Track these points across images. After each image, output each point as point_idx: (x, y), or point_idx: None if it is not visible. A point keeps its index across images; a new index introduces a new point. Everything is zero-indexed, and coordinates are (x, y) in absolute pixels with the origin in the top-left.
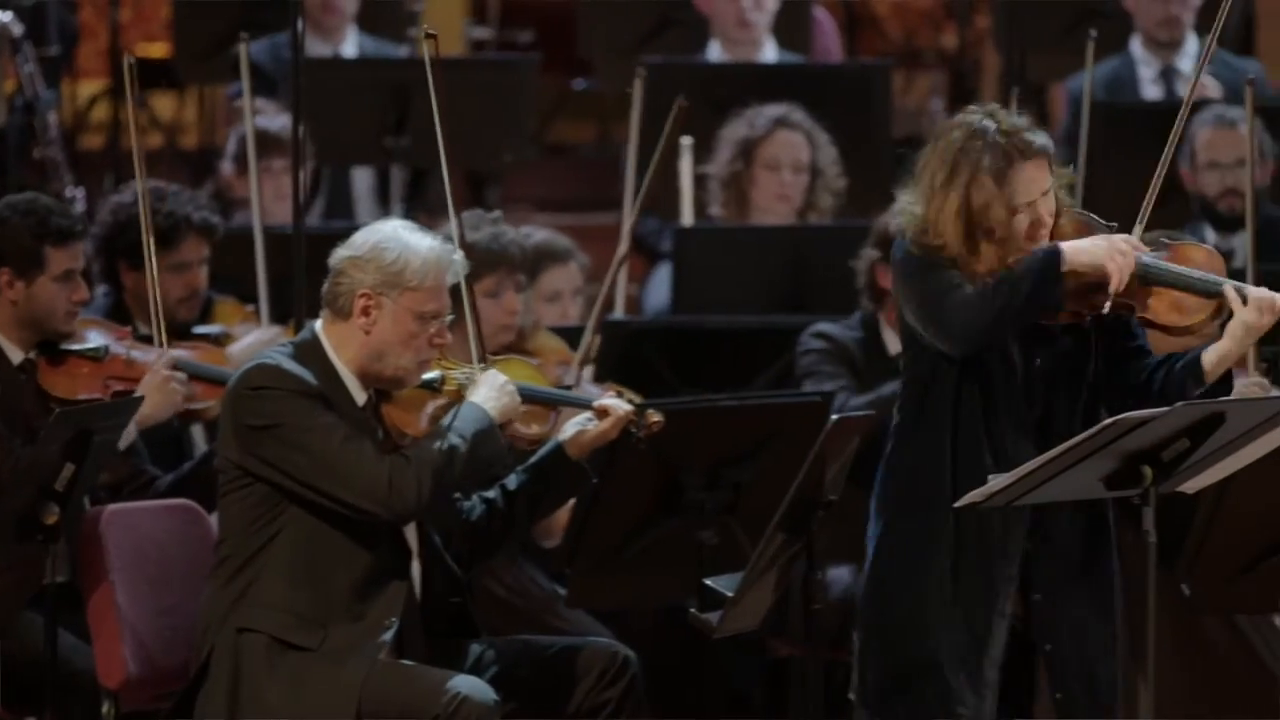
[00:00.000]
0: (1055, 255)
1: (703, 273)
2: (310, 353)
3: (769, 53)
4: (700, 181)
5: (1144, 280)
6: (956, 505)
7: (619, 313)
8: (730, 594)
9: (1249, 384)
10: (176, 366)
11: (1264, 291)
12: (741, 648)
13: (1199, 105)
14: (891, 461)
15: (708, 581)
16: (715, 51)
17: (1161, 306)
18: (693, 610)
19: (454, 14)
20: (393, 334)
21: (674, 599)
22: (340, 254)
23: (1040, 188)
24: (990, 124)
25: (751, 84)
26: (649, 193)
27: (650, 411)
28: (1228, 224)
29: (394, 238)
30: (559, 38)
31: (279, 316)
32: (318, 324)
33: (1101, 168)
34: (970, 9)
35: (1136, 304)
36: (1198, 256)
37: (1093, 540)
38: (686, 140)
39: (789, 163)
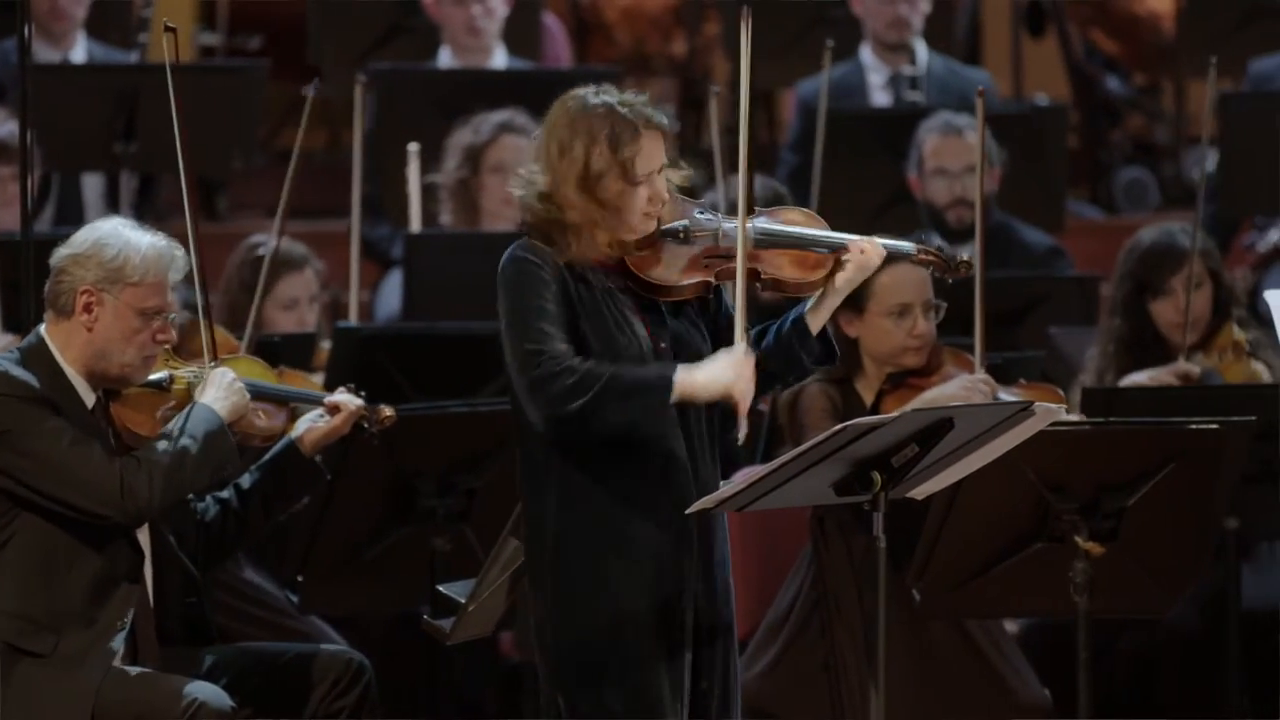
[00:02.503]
0: (666, 388)
1: (434, 279)
2: (36, 356)
3: (499, 59)
4: (429, 190)
5: (761, 244)
6: (689, 511)
7: (352, 319)
8: (463, 600)
9: (975, 380)
10: None
11: (866, 242)
12: (475, 654)
13: (926, 112)
14: (539, 463)
15: (441, 588)
16: (445, 58)
17: (787, 266)
18: (426, 616)
19: (183, 20)
20: (115, 330)
21: (408, 605)
22: (61, 252)
23: (657, 162)
24: (608, 96)
25: (481, 90)
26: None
27: (382, 406)
28: (957, 233)
29: (115, 234)
30: (289, 44)
31: (12, 325)
32: (42, 326)
33: (829, 173)
34: (700, 16)
35: (761, 268)
36: (797, 217)
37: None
38: (414, 147)
39: (516, 167)
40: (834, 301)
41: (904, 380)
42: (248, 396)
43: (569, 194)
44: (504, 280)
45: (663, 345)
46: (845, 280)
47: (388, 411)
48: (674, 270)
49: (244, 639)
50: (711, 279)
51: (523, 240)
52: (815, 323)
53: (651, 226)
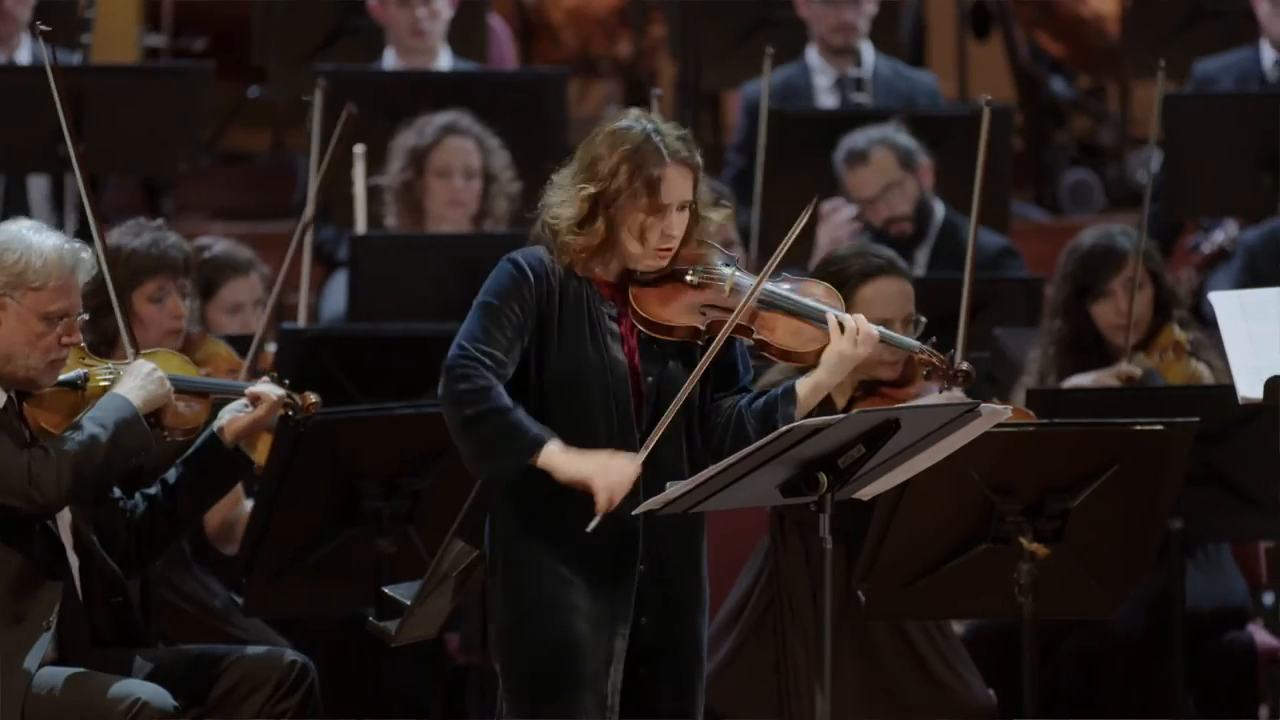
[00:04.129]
0: (534, 450)
1: (379, 280)
2: None
3: (444, 61)
4: (375, 191)
5: (763, 306)
6: (635, 512)
7: (300, 321)
8: (409, 602)
9: (954, 398)
10: None
11: (862, 322)
12: (420, 655)
13: (872, 114)
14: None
15: (386, 589)
16: (390, 60)
17: (780, 332)
18: (371, 618)
19: (127, 21)
20: (19, 335)
21: (353, 607)
22: None
23: (679, 196)
24: (648, 123)
25: (427, 92)
26: (323, 201)
27: (307, 393)
28: (900, 245)
29: (17, 238)
30: (233, 45)
31: None
32: None
33: (774, 174)
34: (645, 17)
35: (754, 328)
36: (817, 290)
37: (688, 563)
38: (359, 149)
39: (460, 169)
40: (830, 381)
41: (877, 389)
42: (168, 386)
43: (587, 210)
44: (492, 274)
45: (648, 379)
46: (839, 358)
47: (313, 398)
48: (667, 309)
49: (187, 642)
50: (701, 327)
51: (530, 247)
52: (806, 399)
53: (659, 263)
